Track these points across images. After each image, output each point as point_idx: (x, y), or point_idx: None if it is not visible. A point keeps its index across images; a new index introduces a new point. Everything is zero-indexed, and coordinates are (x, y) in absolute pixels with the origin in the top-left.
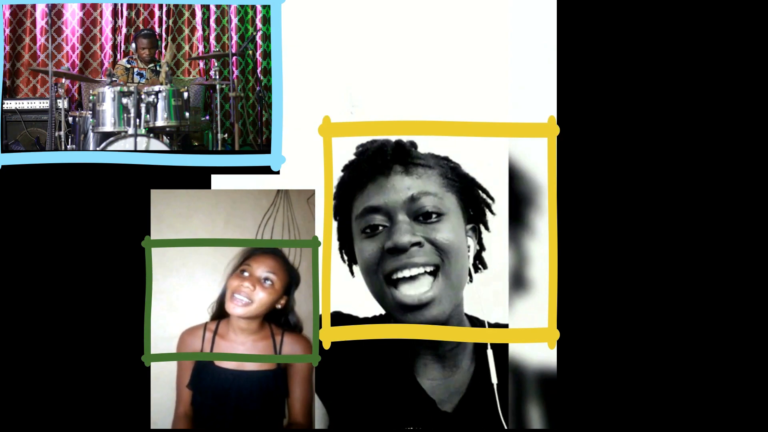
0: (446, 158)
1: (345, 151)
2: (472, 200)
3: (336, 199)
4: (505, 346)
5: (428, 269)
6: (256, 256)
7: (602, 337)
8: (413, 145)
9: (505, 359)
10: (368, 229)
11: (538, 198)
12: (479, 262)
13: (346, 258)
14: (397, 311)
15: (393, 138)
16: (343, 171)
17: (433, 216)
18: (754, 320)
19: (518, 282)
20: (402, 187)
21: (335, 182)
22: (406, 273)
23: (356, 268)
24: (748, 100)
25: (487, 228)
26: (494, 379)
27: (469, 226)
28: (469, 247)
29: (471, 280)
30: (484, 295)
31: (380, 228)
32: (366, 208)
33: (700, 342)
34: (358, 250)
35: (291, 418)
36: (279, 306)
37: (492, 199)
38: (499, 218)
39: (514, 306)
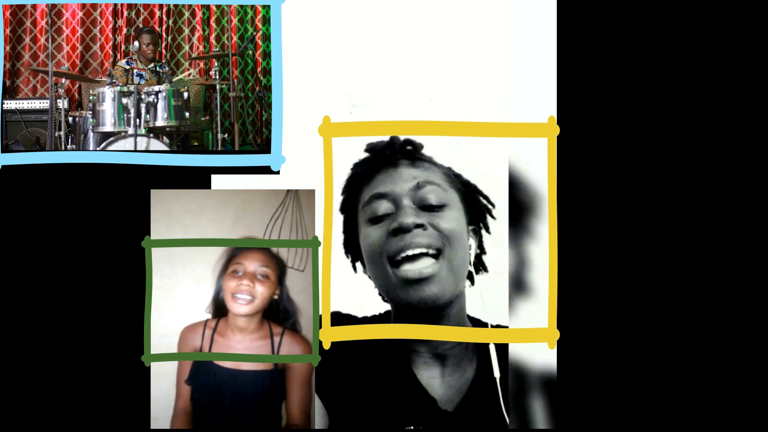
0: (449, 168)
1: (354, 150)
2: (473, 205)
3: (344, 194)
4: (506, 350)
5: (430, 251)
6: (245, 253)
7: (602, 338)
8: (421, 146)
9: (506, 362)
10: (375, 215)
11: (539, 202)
12: (480, 265)
13: (349, 255)
14: (399, 288)
15: (402, 137)
16: (352, 169)
17: (437, 205)
18: (754, 321)
19: (519, 286)
20: (408, 176)
21: (344, 178)
22: (409, 252)
23: (359, 265)
24: (748, 100)
25: (488, 231)
26: (497, 373)
27: (471, 227)
28: (470, 246)
29: (473, 283)
30: (486, 297)
31: (386, 214)
32: (373, 195)
33: (700, 342)
34: (362, 237)
35: (288, 420)
36: (275, 297)
37: (493, 204)
38: (499, 222)
39: (514, 310)
